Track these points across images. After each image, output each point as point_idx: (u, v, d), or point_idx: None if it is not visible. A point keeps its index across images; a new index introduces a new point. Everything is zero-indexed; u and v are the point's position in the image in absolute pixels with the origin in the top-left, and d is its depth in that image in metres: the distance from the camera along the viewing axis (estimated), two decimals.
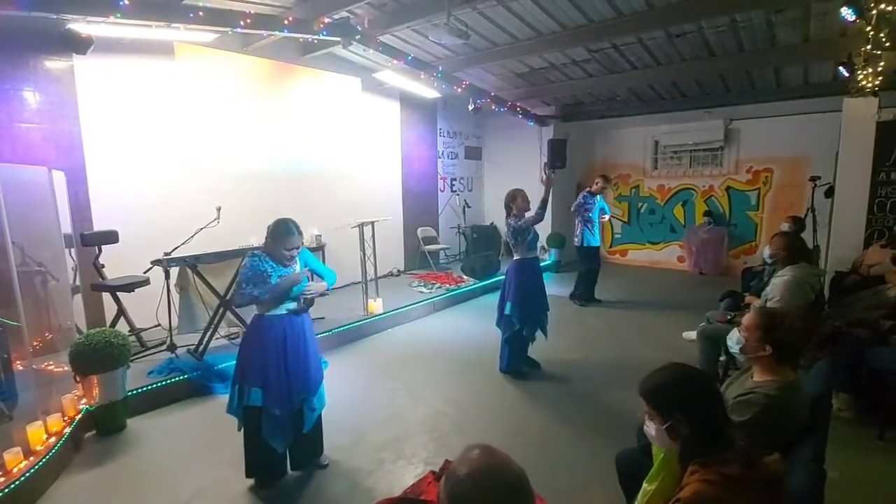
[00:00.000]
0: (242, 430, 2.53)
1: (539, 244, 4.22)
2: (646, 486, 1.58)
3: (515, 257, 4.02)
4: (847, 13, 3.49)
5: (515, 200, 3.94)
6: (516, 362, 4.06)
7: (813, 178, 6.39)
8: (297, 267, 2.57)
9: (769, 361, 1.82)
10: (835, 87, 5.93)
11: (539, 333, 4.14)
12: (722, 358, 3.76)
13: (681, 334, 4.86)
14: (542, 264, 4.29)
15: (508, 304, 3.95)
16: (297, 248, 2.53)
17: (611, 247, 9.37)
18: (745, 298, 4.16)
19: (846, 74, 4.80)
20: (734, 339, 1.98)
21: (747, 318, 1.95)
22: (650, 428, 1.42)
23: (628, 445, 2.15)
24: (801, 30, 4.90)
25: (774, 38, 5.13)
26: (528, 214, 3.90)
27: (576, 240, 6.10)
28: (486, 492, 0.91)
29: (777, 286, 3.32)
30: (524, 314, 3.92)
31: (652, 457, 1.65)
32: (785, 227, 5.79)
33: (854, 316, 3.67)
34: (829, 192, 6.13)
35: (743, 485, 1.21)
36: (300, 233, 2.53)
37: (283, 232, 2.46)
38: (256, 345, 2.48)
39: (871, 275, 4.43)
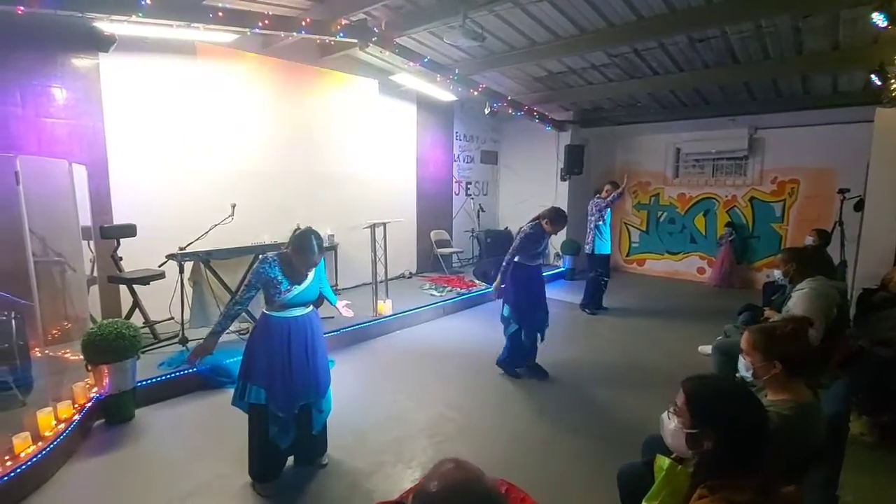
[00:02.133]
0: (248, 425, 2.54)
1: (550, 252, 4.19)
2: None
3: (516, 259, 4.01)
4: (878, 19, 3.37)
5: (552, 223, 3.86)
6: (513, 361, 4.09)
7: (841, 191, 6.17)
8: (310, 279, 2.54)
9: (781, 378, 1.73)
10: (866, 97, 5.72)
11: (538, 338, 4.16)
12: (738, 374, 3.64)
13: (696, 348, 4.73)
14: (556, 271, 4.21)
15: (506, 307, 4.02)
16: (315, 265, 2.50)
17: (627, 255, 9.21)
18: (764, 313, 4.02)
19: (878, 83, 4.61)
20: (743, 367, 1.89)
21: (744, 342, 1.86)
22: (671, 421, 1.35)
23: (632, 459, 2.09)
24: (829, 36, 4.74)
25: (802, 45, 4.97)
26: (517, 253, 3.90)
27: (587, 247, 6.00)
28: None
29: (797, 299, 3.19)
30: (521, 317, 3.97)
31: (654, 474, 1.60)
32: (809, 240, 5.59)
33: (880, 335, 3.50)
34: (859, 206, 5.90)
35: None
36: (322, 250, 2.48)
37: (304, 248, 2.40)
38: (262, 344, 2.49)
39: None
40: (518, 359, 4.12)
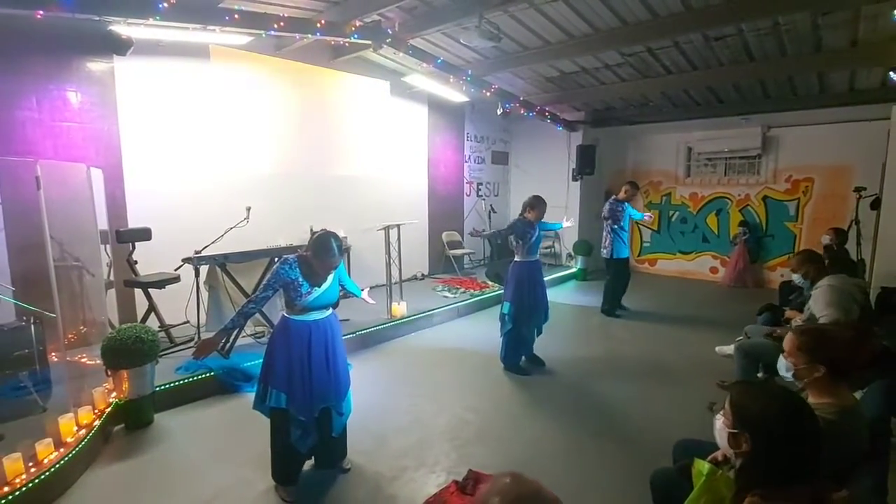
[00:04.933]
0: (269, 429, 2.53)
1: (563, 253, 4.28)
2: None
3: (516, 258, 4.21)
4: None
5: (533, 209, 4.08)
6: (512, 357, 4.23)
7: (858, 189, 6.10)
8: (330, 281, 2.52)
9: (824, 382, 1.69)
10: (883, 94, 5.66)
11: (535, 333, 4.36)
12: (760, 374, 3.60)
13: (713, 348, 4.67)
14: (568, 272, 4.34)
15: (506, 304, 4.15)
16: (335, 267, 2.49)
17: (639, 255, 9.15)
18: (784, 313, 3.97)
19: None
20: (784, 367, 1.85)
21: (788, 343, 1.83)
22: (719, 420, 1.41)
23: (661, 464, 2.05)
24: (848, 33, 4.67)
25: (820, 42, 4.91)
26: (503, 234, 4.22)
27: (604, 251, 5.87)
28: None
29: (819, 296, 3.15)
30: (519, 314, 4.10)
31: (690, 479, 1.57)
32: (826, 239, 5.54)
33: None
34: (876, 204, 5.82)
35: None
36: (341, 252, 2.46)
37: (324, 250, 2.38)
38: (282, 347, 2.47)
39: None
40: (519, 353, 4.27)
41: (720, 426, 1.39)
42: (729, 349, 4.22)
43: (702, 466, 1.53)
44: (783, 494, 1.17)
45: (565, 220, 4.63)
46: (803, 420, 1.27)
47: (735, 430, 1.32)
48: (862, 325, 2.76)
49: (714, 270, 8.31)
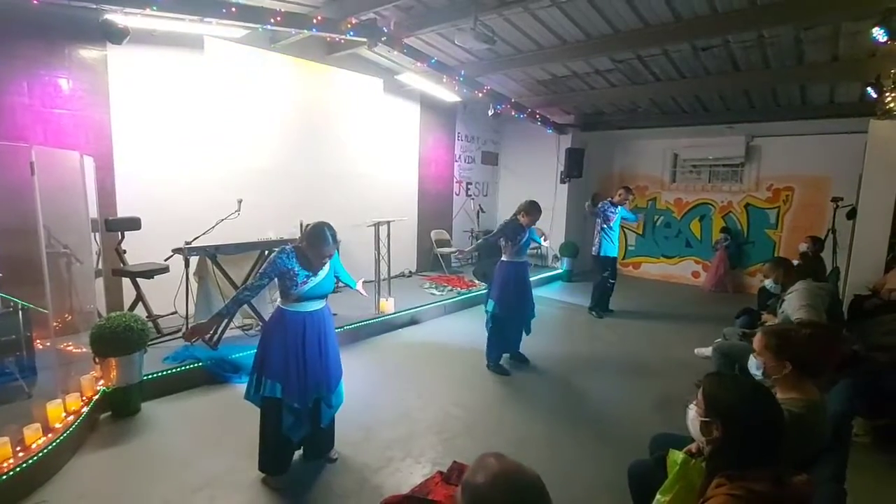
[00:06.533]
0: (259, 419, 2.56)
1: (549, 254, 4.32)
2: (660, 498, 1.58)
3: (503, 258, 4.22)
4: (879, 34, 3.46)
5: (527, 214, 4.08)
6: (492, 354, 4.28)
7: (835, 199, 6.31)
8: (325, 271, 2.57)
9: (791, 378, 1.81)
10: (861, 108, 5.85)
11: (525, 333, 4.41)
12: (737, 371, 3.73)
13: (692, 349, 4.81)
14: (553, 273, 4.38)
15: (490, 303, 4.21)
16: (330, 256, 2.53)
17: (624, 258, 9.31)
18: (761, 316, 4.12)
19: (874, 96, 4.73)
20: (754, 365, 1.97)
21: (757, 343, 1.95)
22: (692, 410, 1.49)
23: (639, 457, 2.14)
24: (829, 48, 4.85)
25: (802, 56, 5.08)
26: (494, 238, 4.21)
27: (593, 249, 6.04)
28: (506, 494, 0.96)
29: (793, 298, 3.29)
30: (502, 312, 4.14)
31: (666, 469, 1.65)
32: (804, 246, 5.73)
33: (874, 340, 3.61)
34: (852, 214, 6.04)
35: (770, 503, 1.21)
36: (336, 241, 2.52)
37: (319, 239, 2.44)
38: (277, 338, 2.50)
39: (892, 300, 4.35)
40: (500, 351, 4.31)
41: (693, 415, 1.47)
42: (707, 351, 4.36)
43: (676, 456, 1.62)
44: (748, 476, 1.26)
45: (543, 238, 4.52)
46: (768, 408, 1.37)
47: (707, 419, 1.40)
48: (827, 325, 2.91)
49: (696, 275, 8.51)
